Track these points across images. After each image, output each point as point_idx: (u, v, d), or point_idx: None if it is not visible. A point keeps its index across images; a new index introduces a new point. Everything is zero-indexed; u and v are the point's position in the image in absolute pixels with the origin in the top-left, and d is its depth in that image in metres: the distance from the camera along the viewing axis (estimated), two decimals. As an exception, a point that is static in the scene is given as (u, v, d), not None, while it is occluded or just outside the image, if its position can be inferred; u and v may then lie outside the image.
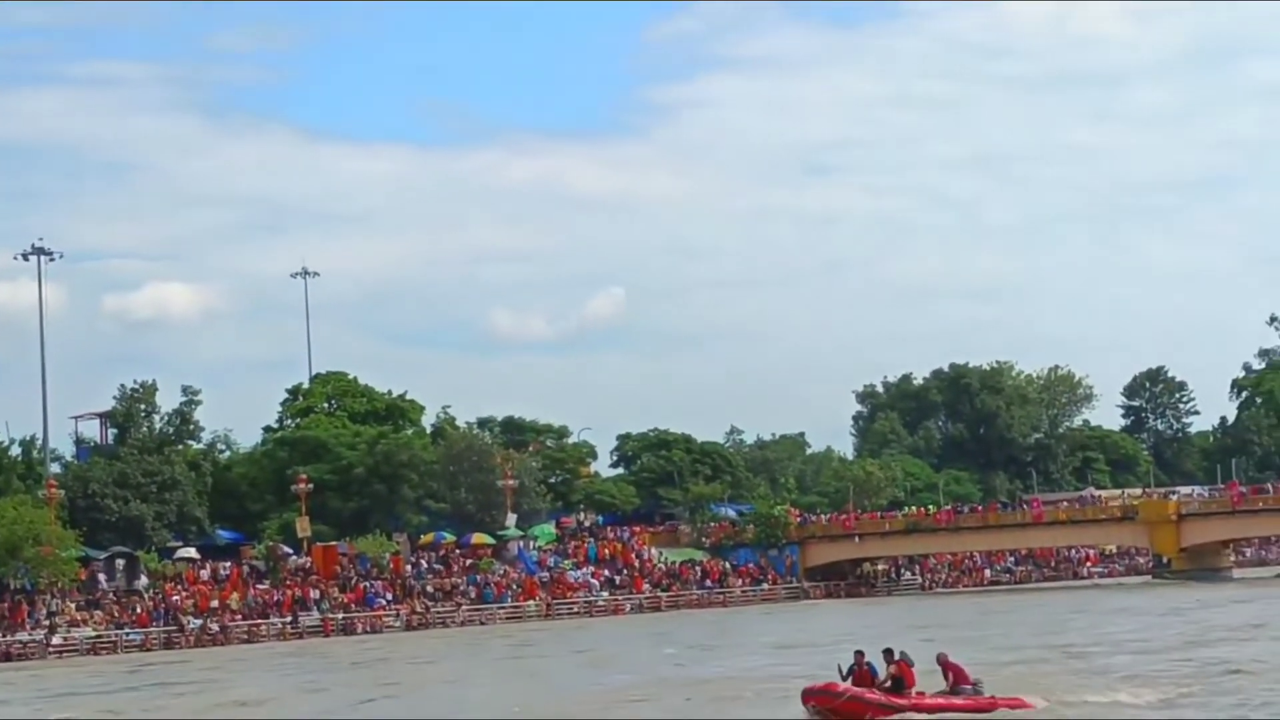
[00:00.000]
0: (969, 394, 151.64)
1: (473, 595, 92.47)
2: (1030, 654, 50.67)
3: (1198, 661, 44.95)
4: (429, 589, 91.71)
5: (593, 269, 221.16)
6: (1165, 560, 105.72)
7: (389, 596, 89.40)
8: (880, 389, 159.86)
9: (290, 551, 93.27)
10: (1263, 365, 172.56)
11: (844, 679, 34.34)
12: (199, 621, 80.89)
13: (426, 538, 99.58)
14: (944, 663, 35.24)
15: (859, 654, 34.82)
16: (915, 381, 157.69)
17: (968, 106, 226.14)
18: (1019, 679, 39.32)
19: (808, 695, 34.33)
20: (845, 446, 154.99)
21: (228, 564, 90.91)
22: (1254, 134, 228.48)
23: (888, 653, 34.79)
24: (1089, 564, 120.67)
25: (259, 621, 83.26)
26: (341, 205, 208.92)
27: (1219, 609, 70.70)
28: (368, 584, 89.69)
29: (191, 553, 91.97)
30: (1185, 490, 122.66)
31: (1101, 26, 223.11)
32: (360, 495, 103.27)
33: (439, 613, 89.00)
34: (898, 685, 34.31)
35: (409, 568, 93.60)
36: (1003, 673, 38.94)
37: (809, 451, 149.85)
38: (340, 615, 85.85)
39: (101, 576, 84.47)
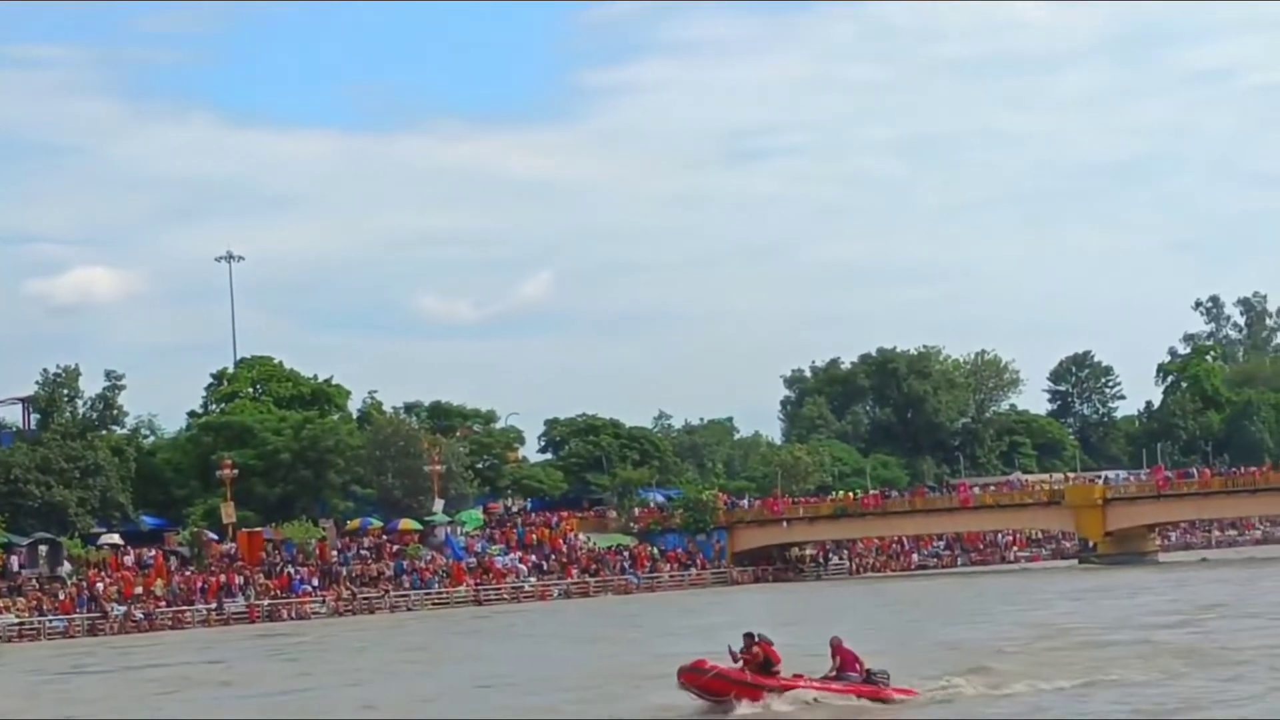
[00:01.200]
0: (896, 379, 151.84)
1: (405, 583, 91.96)
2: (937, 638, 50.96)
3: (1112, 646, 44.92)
4: (355, 575, 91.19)
5: (521, 253, 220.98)
6: (1091, 544, 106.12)
7: (314, 583, 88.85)
8: (808, 374, 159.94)
9: (215, 537, 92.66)
10: (1188, 350, 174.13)
11: (735, 661, 34.12)
12: (123, 608, 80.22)
13: (353, 523, 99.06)
14: (836, 647, 34.96)
15: (748, 636, 34.54)
16: (843, 366, 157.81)
17: (897, 91, 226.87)
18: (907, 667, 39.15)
19: (680, 673, 34.21)
20: (773, 431, 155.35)
21: (152, 550, 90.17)
22: (1179, 119, 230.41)
23: (748, 636, 34.50)
24: (1016, 548, 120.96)
25: (184, 608, 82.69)
26: (267, 189, 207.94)
27: (1147, 594, 70.75)
28: (293, 570, 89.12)
29: (115, 539, 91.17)
30: (1111, 474, 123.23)
31: (1029, 12, 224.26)
32: (286, 481, 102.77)
33: (365, 599, 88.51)
34: (766, 666, 34.11)
35: (335, 554, 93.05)
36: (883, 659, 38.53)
37: (737, 436, 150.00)
38: (266, 602, 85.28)
39: (14, 560, 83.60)
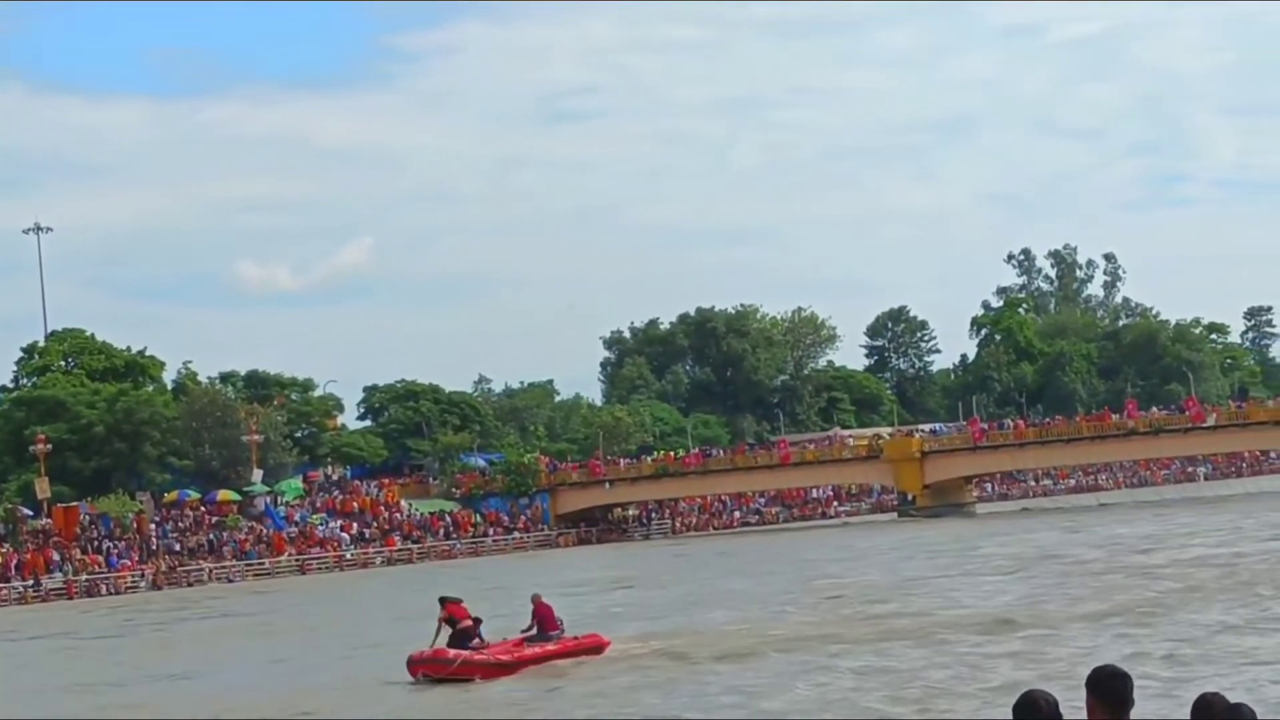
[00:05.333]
0: (715, 338, 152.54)
1: (225, 554, 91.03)
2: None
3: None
4: (174, 547, 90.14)
5: (341, 219, 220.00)
6: (910, 497, 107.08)
7: (133, 557, 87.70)
8: (627, 335, 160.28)
9: (30, 513, 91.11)
10: (1000, 303, 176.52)
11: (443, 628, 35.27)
12: (-65, 588, 78.79)
13: (170, 496, 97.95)
14: (536, 603, 36.15)
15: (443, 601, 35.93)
16: (662, 327, 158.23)
17: (717, 50, 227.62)
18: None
19: (415, 664, 34.60)
20: (594, 393, 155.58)
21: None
22: (992, 74, 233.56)
23: (443, 601, 35.99)
24: (837, 503, 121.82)
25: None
26: (77, 159, 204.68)
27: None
28: (111, 544, 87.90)
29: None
30: (928, 428, 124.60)
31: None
32: (101, 454, 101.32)
33: (185, 571, 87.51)
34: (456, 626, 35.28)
35: (153, 527, 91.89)
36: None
37: (558, 399, 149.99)
38: (84, 577, 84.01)
39: None
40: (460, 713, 30.79)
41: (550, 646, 35.22)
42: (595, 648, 35.76)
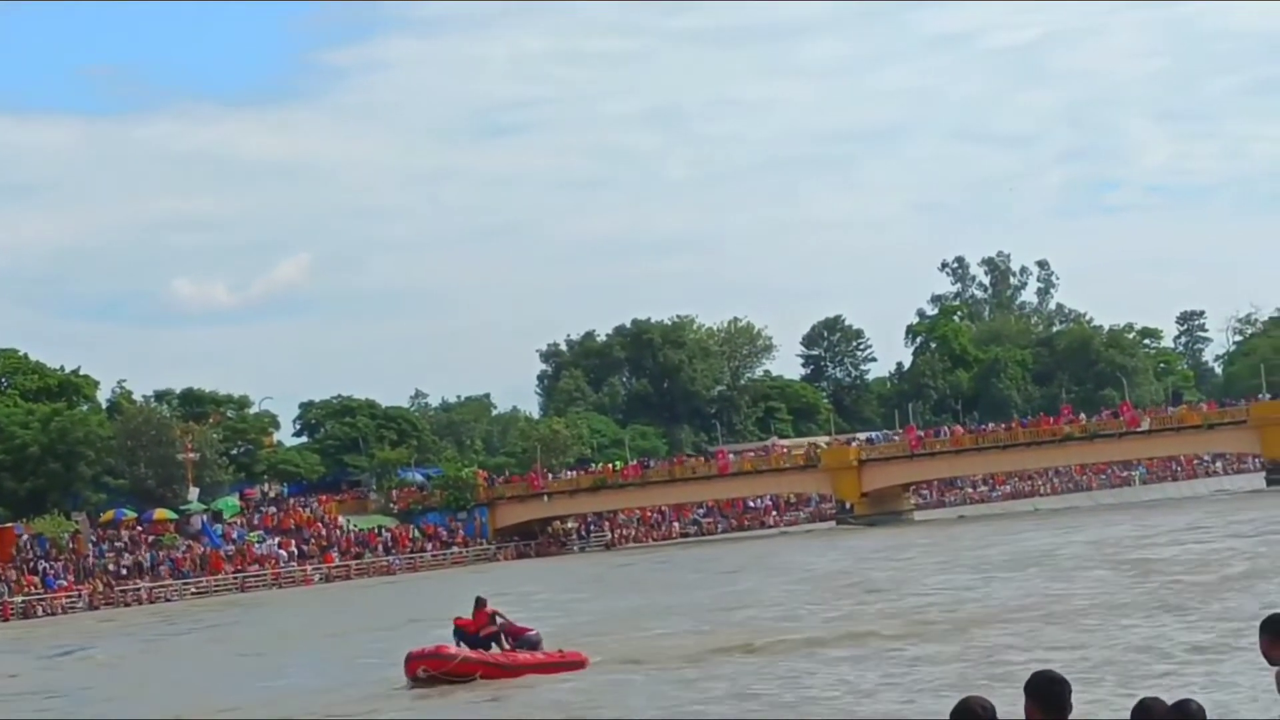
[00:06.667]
0: (651, 349, 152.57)
1: (163, 573, 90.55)
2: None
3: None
4: (111, 567, 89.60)
5: (277, 235, 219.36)
6: (848, 506, 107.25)
7: (70, 577, 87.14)
8: (564, 347, 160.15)
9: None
10: (935, 311, 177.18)
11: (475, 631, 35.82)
12: None
13: (106, 515, 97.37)
14: (506, 628, 36.28)
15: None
16: (598, 339, 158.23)
17: (645, 62, 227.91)
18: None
19: (416, 660, 34.84)
20: (531, 406, 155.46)
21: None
22: (920, 84, 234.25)
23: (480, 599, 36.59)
24: (776, 512, 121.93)
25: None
26: (7, 178, 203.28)
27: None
28: (47, 565, 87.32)
29: None
30: (865, 436, 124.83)
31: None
32: (36, 475, 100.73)
33: (122, 591, 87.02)
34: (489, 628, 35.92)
35: (90, 546, 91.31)
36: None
37: (495, 412, 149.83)
38: (19, 599, 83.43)
39: None
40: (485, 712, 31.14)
41: (540, 656, 35.41)
42: (578, 663, 35.63)
